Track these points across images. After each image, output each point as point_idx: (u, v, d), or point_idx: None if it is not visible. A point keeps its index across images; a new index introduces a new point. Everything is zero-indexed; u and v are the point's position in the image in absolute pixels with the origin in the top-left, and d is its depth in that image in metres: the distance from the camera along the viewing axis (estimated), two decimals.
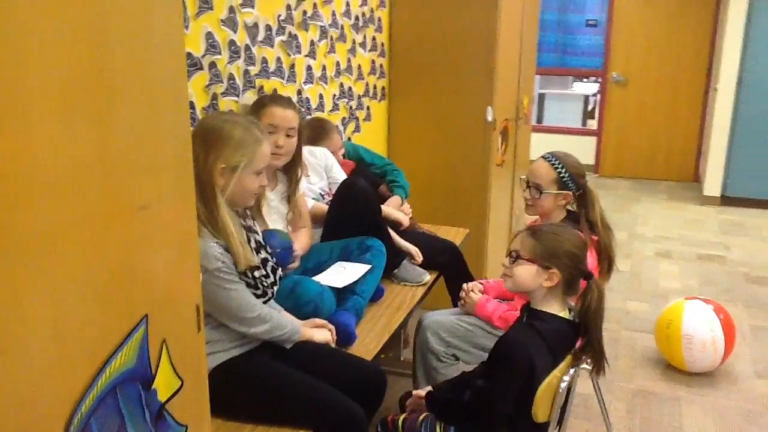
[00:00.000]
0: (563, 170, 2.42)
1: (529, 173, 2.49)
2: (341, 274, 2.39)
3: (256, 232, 1.94)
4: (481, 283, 2.61)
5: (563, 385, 1.87)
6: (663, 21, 7.46)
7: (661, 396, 3.22)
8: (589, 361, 1.95)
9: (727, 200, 6.67)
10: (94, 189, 1.06)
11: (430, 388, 2.14)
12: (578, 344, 1.94)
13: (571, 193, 2.44)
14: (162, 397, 1.26)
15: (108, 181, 1.09)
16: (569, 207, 2.50)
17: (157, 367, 1.24)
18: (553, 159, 2.46)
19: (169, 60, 1.23)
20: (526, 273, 1.91)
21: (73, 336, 1.03)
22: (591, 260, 2.23)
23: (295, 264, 2.28)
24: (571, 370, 1.90)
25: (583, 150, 7.32)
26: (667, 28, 7.46)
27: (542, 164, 2.46)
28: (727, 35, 6.39)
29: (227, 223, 1.73)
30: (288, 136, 2.33)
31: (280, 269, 1.97)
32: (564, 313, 1.93)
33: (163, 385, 1.26)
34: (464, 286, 2.58)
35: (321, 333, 2.06)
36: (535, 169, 2.47)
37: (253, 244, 1.86)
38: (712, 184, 6.71)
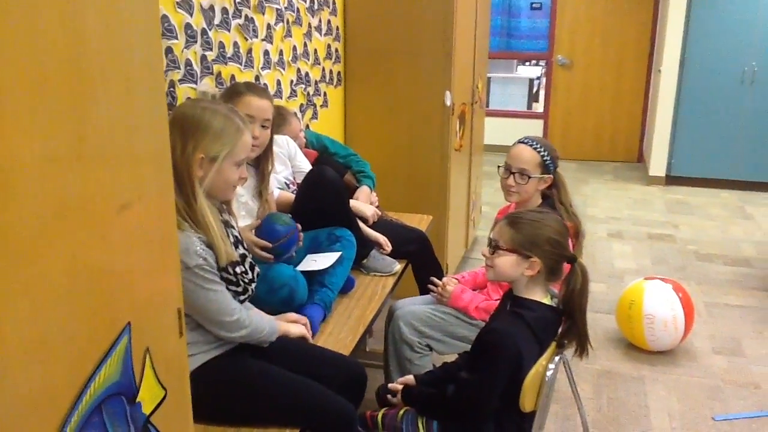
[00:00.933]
0: (546, 153, 2.39)
1: (511, 159, 2.44)
2: (312, 266, 2.32)
3: (233, 227, 1.84)
4: (456, 279, 2.57)
5: (549, 373, 1.84)
6: (606, 3, 7.55)
7: (625, 375, 3.26)
8: (573, 345, 1.92)
9: (671, 180, 6.83)
10: (72, 188, 0.96)
11: (410, 377, 2.08)
12: (562, 331, 1.91)
13: (552, 176, 2.41)
14: (146, 410, 1.17)
15: (87, 178, 0.99)
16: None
17: (141, 378, 1.14)
18: (534, 143, 2.42)
19: (145, 48, 1.13)
20: (507, 263, 1.87)
21: (55, 352, 0.93)
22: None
23: (300, 244, 2.23)
24: (556, 358, 1.88)
25: (530, 133, 7.36)
26: (611, 10, 7.56)
27: (524, 149, 2.42)
28: (669, 17, 6.50)
29: (208, 216, 1.63)
30: (263, 126, 2.25)
31: (257, 267, 1.87)
32: (546, 300, 1.90)
33: (148, 396, 1.17)
34: (437, 281, 2.52)
35: (296, 327, 1.99)
36: (517, 154, 2.42)
37: (231, 239, 1.76)
38: (657, 164, 6.85)
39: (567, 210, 2.40)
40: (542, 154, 2.39)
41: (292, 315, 2.07)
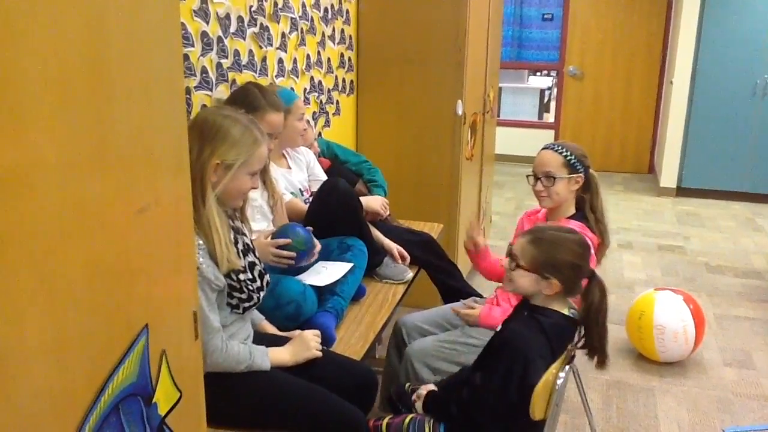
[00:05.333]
0: (569, 153, 2.40)
1: (536, 166, 2.46)
2: (322, 273, 2.33)
3: (245, 234, 1.85)
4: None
5: (559, 382, 1.84)
6: (617, 15, 7.56)
7: (635, 386, 3.25)
8: (588, 356, 1.93)
9: (682, 191, 6.81)
10: (92, 190, 0.98)
11: (431, 385, 2.08)
12: (577, 341, 1.92)
13: (582, 174, 2.42)
14: (162, 411, 1.19)
15: (106, 181, 1.01)
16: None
17: (157, 379, 1.16)
18: (556, 146, 2.45)
19: (165, 55, 1.16)
20: (526, 281, 1.89)
21: (75, 353, 0.95)
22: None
23: (315, 257, 2.27)
24: (566, 367, 1.88)
25: (542, 143, 7.34)
26: (622, 21, 7.56)
27: (546, 153, 2.45)
28: (681, 28, 6.49)
29: (215, 221, 1.64)
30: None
31: (267, 275, 1.88)
32: (565, 310, 1.91)
33: (163, 398, 1.18)
34: (459, 308, 2.53)
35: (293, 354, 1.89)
36: (540, 159, 2.44)
37: (240, 246, 1.78)
38: (668, 175, 6.83)
39: (597, 219, 2.42)
40: (565, 154, 2.40)
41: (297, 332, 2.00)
